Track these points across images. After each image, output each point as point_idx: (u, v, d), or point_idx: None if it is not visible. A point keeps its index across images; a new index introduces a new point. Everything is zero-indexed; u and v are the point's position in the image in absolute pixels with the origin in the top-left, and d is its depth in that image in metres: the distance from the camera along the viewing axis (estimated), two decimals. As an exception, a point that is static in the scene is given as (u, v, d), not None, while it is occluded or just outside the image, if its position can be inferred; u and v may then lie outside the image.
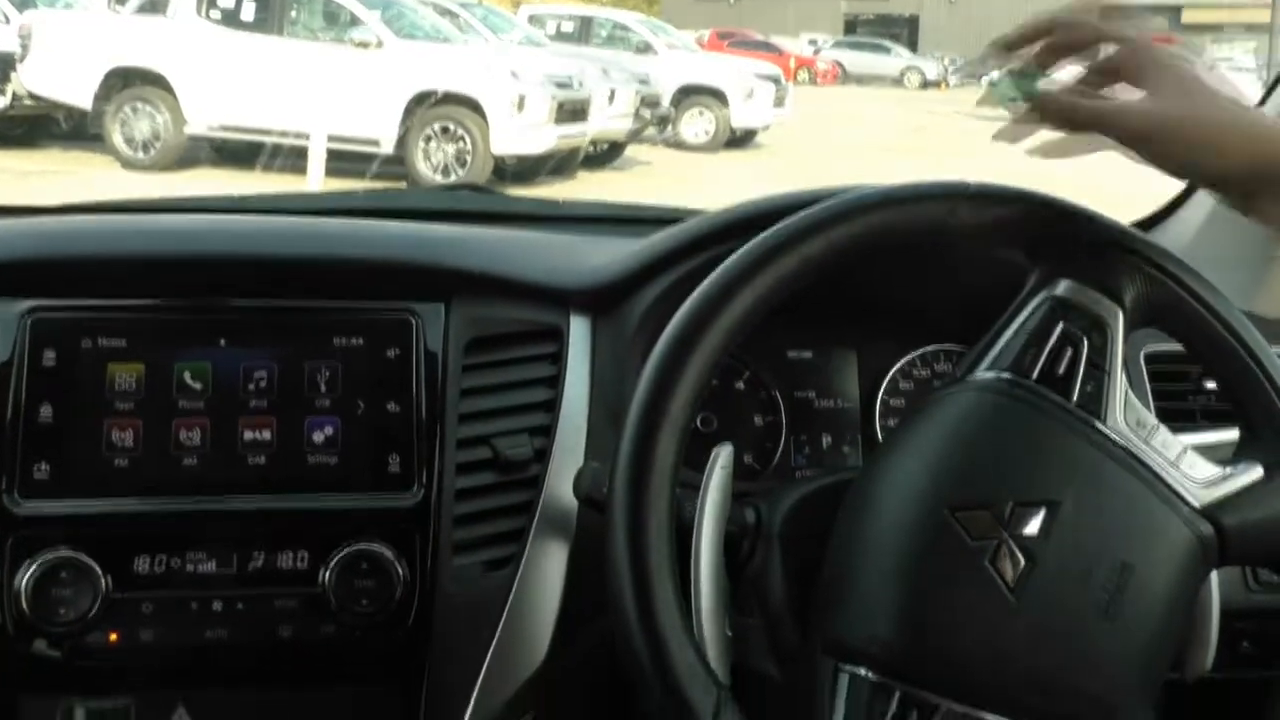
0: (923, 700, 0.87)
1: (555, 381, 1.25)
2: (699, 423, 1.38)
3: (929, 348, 1.50)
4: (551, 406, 1.24)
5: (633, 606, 0.89)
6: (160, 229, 1.25)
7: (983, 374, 0.98)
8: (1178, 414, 1.39)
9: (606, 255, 1.35)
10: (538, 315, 1.27)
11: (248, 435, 1.15)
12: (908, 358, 1.49)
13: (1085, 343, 0.96)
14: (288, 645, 1.13)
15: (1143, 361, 1.39)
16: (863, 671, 0.89)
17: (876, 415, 1.47)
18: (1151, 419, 0.95)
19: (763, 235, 0.96)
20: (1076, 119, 0.94)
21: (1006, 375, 0.96)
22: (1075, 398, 0.94)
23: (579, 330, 1.28)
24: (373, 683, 1.18)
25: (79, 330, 1.15)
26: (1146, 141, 0.91)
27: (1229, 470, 0.95)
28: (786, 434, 1.45)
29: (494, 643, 1.17)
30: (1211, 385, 1.39)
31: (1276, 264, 1.52)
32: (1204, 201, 1.60)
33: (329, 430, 1.17)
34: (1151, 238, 1.02)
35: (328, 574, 1.12)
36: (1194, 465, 0.95)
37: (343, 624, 1.13)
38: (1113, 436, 0.93)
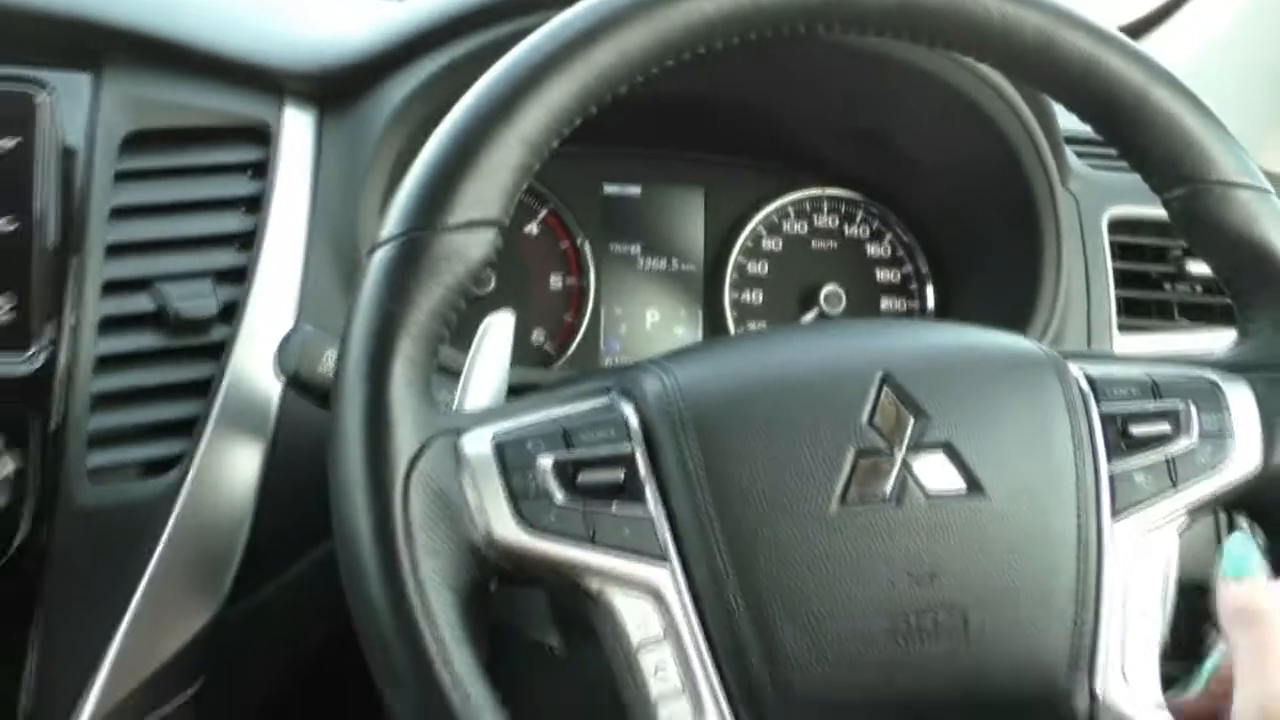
0: None
1: (257, 205, 1.23)
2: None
3: (808, 192, 1.51)
4: (250, 241, 1.22)
5: (372, 555, 0.88)
6: None
7: None
8: (1149, 307, 1.42)
9: (345, 23, 1.32)
10: (234, 104, 1.25)
11: None
12: (777, 204, 1.50)
13: None
14: None
15: (1104, 228, 1.42)
16: None
17: (726, 285, 1.49)
18: None
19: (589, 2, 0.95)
20: None
21: None
22: None
23: (296, 130, 1.26)
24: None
25: None
26: None
27: None
28: (596, 303, 1.45)
29: (144, 581, 1.16)
30: (1198, 269, 1.43)
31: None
32: (1210, 7, 1.63)
33: (-100, 252, 1.12)
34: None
35: (-108, 469, 1.08)
36: None
37: (-90, 546, 1.09)
38: None
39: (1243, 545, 0.94)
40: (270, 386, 1.19)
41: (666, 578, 0.91)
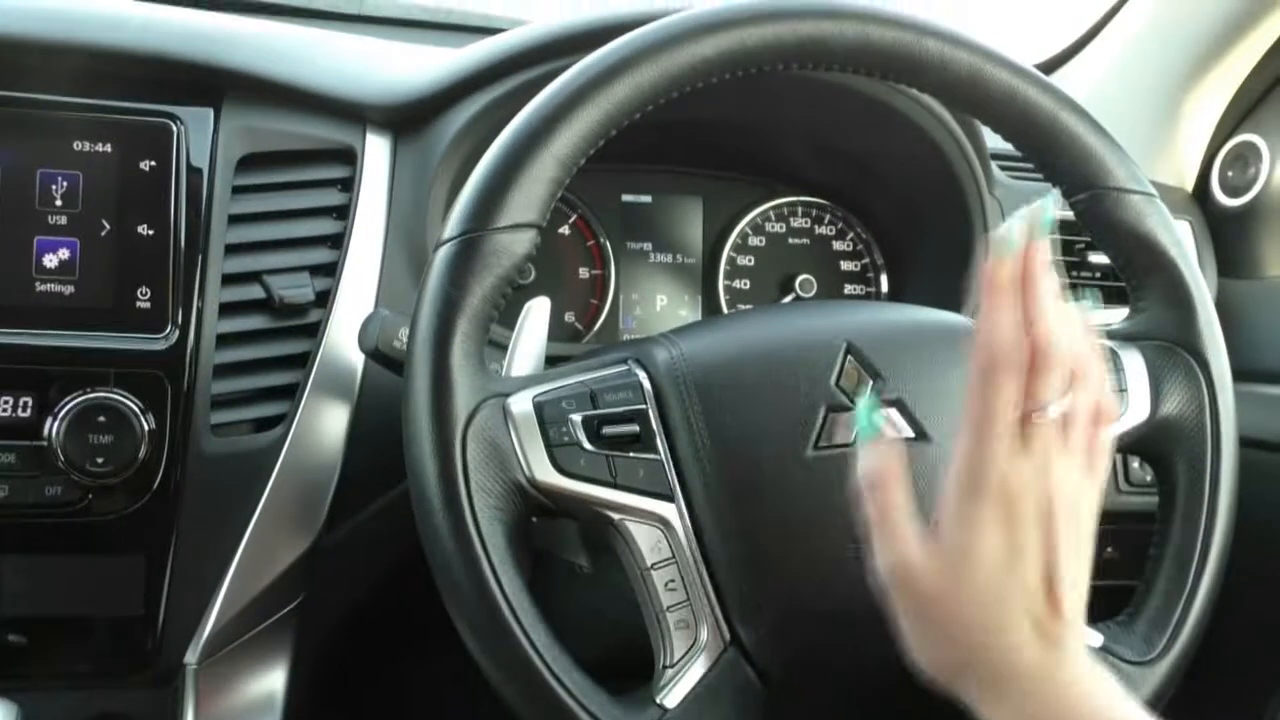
0: None
1: (345, 212, 1.23)
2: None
3: (785, 199, 1.51)
4: (338, 242, 1.22)
5: (437, 492, 0.89)
6: None
7: None
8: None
9: (414, 64, 1.32)
10: (327, 131, 1.24)
11: (-41, 254, 1.11)
12: (761, 209, 1.51)
13: None
14: (5, 508, 1.10)
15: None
16: None
17: (721, 274, 1.49)
18: None
19: (613, 45, 0.96)
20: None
21: None
22: None
23: (376, 152, 1.26)
24: (111, 554, 1.15)
25: None
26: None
27: None
28: (616, 289, 1.45)
29: (257, 514, 1.17)
30: (1097, 259, 1.44)
31: (1180, 123, 1.56)
32: (1111, 44, 1.63)
33: (64, 254, 1.13)
34: (1053, 80, 1.04)
35: (56, 425, 1.09)
36: None
37: (72, 484, 1.10)
38: None
39: (868, 410, 0.86)
40: (355, 359, 1.19)
41: (673, 511, 0.92)
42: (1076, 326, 0.82)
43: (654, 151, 1.44)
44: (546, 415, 0.92)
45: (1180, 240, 1.06)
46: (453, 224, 0.93)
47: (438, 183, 1.26)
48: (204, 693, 1.20)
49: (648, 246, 1.49)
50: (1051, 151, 1.04)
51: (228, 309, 1.17)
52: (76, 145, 1.14)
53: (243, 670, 1.24)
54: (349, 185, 1.24)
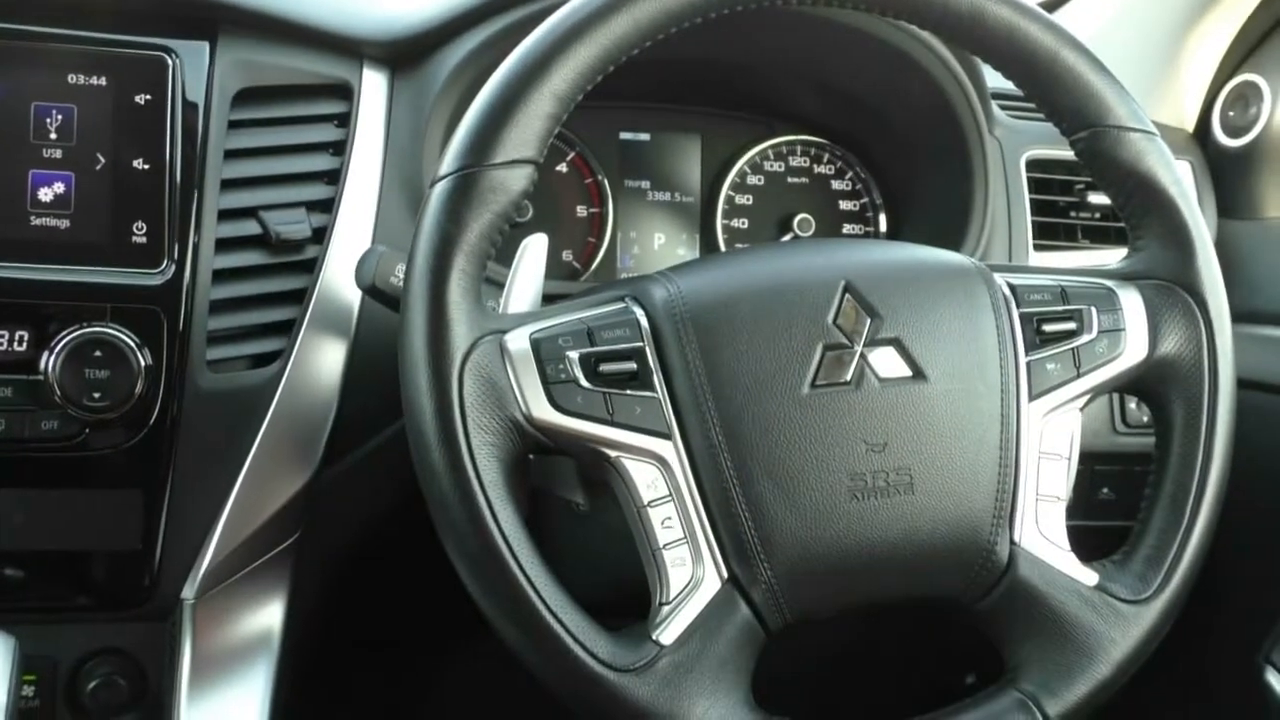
0: None
1: (341, 148, 1.22)
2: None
3: (784, 138, 1.50)
4: (335, 177, 1.21)
5: (434, 429, 0.89)
6: None
7: None
8: (1058, 230, 1.43)
9: (411, 1, 1.30)
10: (324, 66, 1.23)
11: (-46, 188, 1.10)
12: (759, 148, 1.49)
13: None
14: (1, 442, 1.10)
15: (1022, 166, 1.42)
16: None
17: (719, 213, 1.48)
18: None
19: None
20: None
21: None
22: None
23: (373, 88, 1.25)
24: (108, 489, 1.15)
25: None
26: None
27: None
28: (613, 228, 1.45)
29: (254, 450, 1.17)
30: (1097, 200, 1.43)
31: (1182, 63, 1.55)
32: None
33: (59, 187, 1.12)
34: (1055, 18, 1.03)
35: (52, 359, 1.09)
36: None
37: (69, 419, 1.10)
38: None
39: None
40: (352, 295, 1.19)
41: (670, 448, 0.92)
42: None
43: (653, 89, 1.43)
44: (544, 352, 0.92)
45: (1180, 179, 1.05)
46: (449, 160, 0.92)
47: (434, 118, 1.25)
48: (201, 627, 1.21)
49: (646, 185, 1.48)
50: (1052, 90, 1.03)
51: (224, 244, 1.16)
52: (71, 78, 1.13)
53: (240, 605, 1.24)
54: (345, 121, 1.23)
